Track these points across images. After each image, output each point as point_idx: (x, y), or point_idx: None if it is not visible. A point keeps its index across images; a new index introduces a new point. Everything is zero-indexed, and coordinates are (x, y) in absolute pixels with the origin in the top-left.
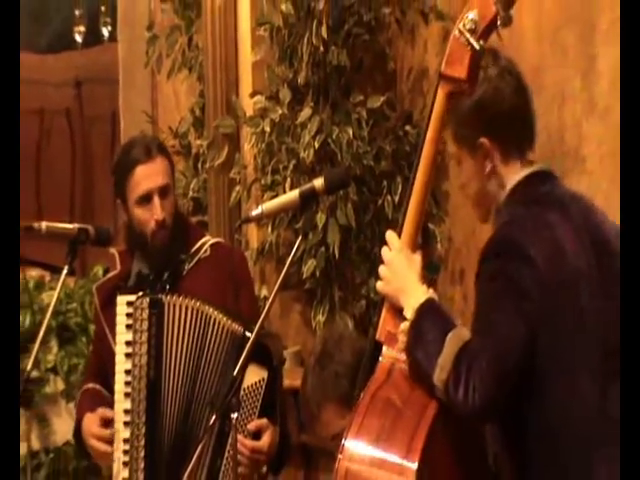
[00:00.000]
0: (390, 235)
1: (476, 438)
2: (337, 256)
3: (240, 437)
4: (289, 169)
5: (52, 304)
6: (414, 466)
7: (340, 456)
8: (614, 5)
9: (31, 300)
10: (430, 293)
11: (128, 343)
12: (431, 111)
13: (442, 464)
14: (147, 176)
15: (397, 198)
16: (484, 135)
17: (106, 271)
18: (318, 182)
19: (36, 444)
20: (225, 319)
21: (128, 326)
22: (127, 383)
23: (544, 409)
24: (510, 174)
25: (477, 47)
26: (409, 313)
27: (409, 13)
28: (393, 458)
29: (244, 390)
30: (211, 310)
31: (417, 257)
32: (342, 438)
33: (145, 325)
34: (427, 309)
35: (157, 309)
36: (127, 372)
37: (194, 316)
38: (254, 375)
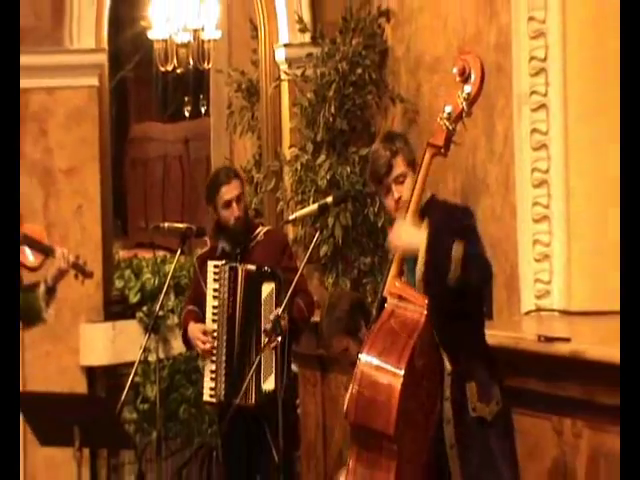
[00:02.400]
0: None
1: (439, 360)
2: (340, 244)
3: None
4: (311, 192)
5: (170, 271)
6: (402, 371)
7: (357, 364)
8: (505, 92)
9: (158, 269)
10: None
11: (215, 289)
12: (421, 165)
13: (417, 370)
14: (228, 191)
15: (376, 209)
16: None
17: None
18: (329, 199)
19: (161, 355)
20: (262, 271)
21: (215, 280)
22: (213, 313)
23: None
24: None
25: (450, 128)
26: (423, 242)
27: (383, 99)
28: (389, 366)
29: (264, 299)
30: (256, 269)
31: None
32: (347, 351)
33: (225, 281)
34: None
35: (234, 272)
36: (214, 307)
37: (250, 275)
38: (268, 287)
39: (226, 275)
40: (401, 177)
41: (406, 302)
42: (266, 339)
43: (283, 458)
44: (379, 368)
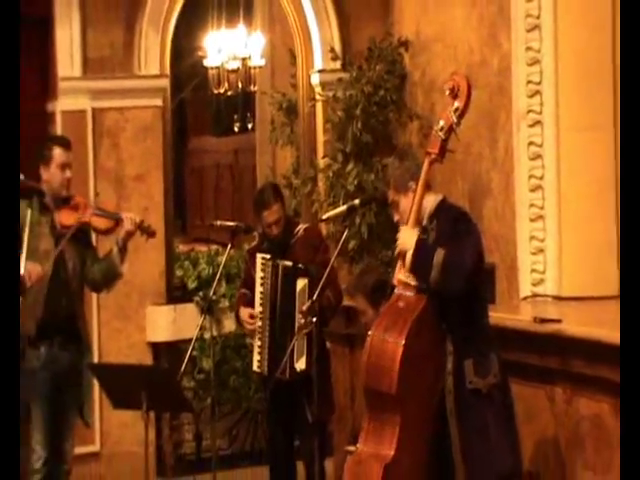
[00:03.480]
0: (404, 226)
1: (439, 331)
2: (366, 239)
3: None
4: (341, 195)
5: (222, 262)
6: (402, 341)
7: (367, 339)
8: (506, 110)
9: (212, 260)
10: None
11: (261, 278)
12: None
13: (418, 343)
14: (269, 215)
15: None
16: (411, 180)
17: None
18: (356, 201)
19: (215, 332)
20: (297, 268)
21: (262, 270)
22: (260, 298)
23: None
24: (431, 195)
25: (444, 137)
26: (412, 246)
27: (403, 116)
28: (392, 338)
29: (298, 292)
30: (292, 266)
31: (416, 230)
32: (365, 313)
33: (269, 273)
34: (418, 242)
35: (275, 266)
36: (260, 292)
37: (286, 270)
38: (302, 282)
39: (269, 269)
40: (394, 204)
41: (410, 288)
42: (302, 320)
43: (317, 420)
44: (384, 341)
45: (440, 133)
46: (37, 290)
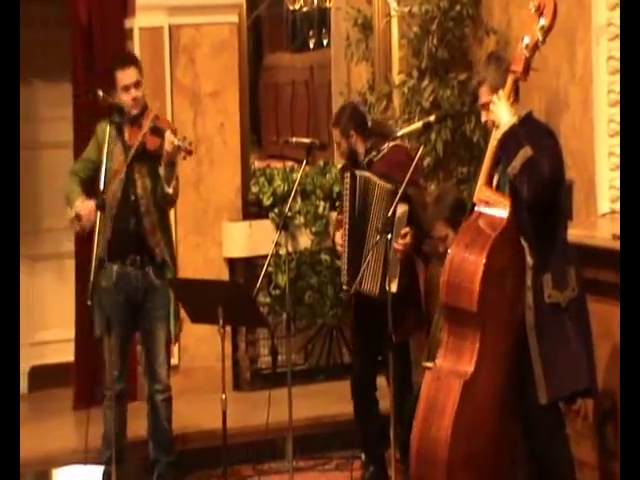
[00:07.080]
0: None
1: (519, 249)
2: (441, 156)
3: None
4: (416, 111)
5: (297, 179)
6: (483, 260)
7: (448, 255)
8: (584, 24)
9: (287, 177)
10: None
11: (345, 194)
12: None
13: (499, 261)
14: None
15: (472, 126)
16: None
17: (326, 163)
18: (432, 117)
19: (290, 249)
20: (382, 183)
21: (345, 188)
22: (346, 213)
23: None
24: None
25: (528, 55)
26: (506, 126)
27: (479, 31)
28: (473, 256)
29: (398, 216)
30: (375, 178)
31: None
32: (446, 238)
33: (348, 186)
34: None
35: (353, 178)
36: (346, 207)
37: (366, 181)
38: (402, 208)
39: (348, 180)
40: (485, 105)
41: (492, 206)
42: (399, 246)
43: (402, 340)
44: (465, 259)
45: (525, 51)
46: (108, 212)
